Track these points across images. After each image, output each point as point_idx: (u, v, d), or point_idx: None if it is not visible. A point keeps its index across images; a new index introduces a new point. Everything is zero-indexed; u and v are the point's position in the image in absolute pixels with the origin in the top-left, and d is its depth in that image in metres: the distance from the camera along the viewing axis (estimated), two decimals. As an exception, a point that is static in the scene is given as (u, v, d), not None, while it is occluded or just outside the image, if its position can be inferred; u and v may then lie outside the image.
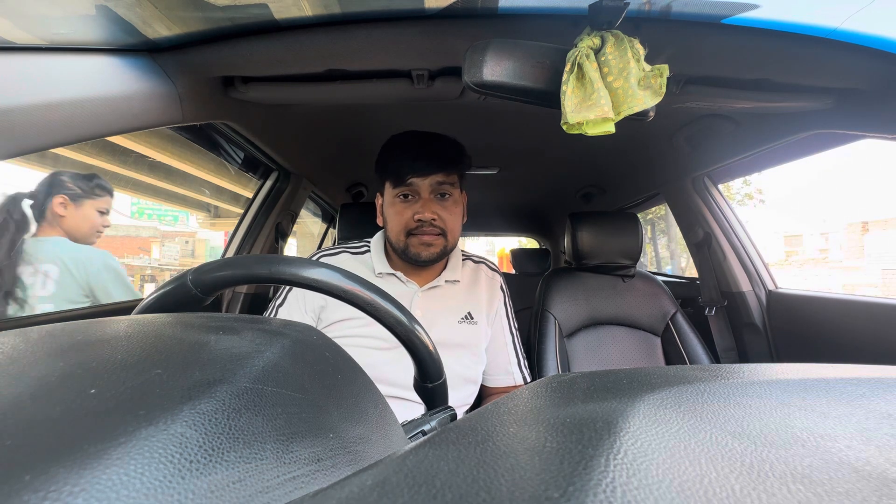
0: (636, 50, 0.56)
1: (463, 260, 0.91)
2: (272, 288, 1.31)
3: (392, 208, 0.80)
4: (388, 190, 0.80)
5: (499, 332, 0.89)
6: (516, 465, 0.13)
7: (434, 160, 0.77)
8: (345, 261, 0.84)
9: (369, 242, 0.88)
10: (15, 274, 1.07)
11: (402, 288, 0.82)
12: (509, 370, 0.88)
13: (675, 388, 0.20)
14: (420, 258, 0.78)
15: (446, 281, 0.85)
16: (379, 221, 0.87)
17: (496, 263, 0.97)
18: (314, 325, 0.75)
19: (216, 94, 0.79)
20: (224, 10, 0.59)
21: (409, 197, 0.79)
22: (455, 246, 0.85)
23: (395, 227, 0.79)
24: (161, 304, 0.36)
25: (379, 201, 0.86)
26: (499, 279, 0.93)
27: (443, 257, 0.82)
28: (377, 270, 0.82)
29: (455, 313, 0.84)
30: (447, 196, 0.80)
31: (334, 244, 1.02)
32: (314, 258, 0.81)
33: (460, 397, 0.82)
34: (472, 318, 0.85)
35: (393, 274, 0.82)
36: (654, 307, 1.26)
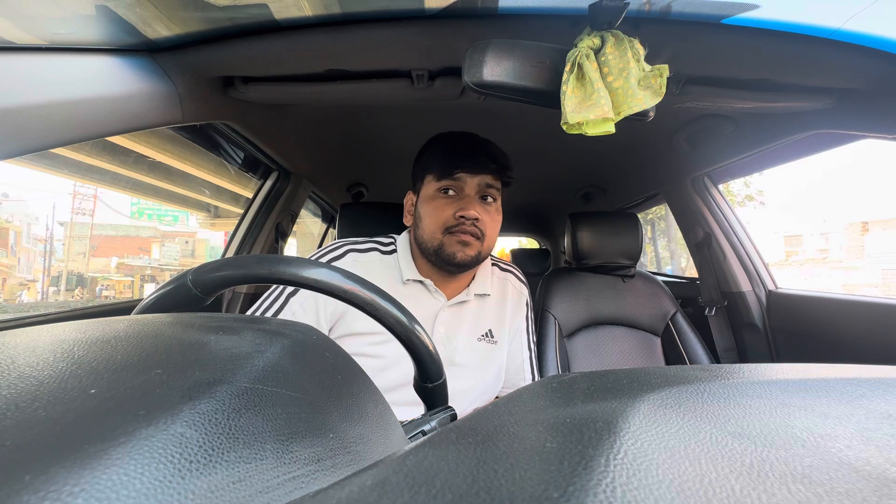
0: (636, 50, 0.56)
1: (491, 266, 0.87)
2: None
3: (431, 203, 0.75)
4: (429, 184, 0.76)
5: (517, 349, 0.86)
6: (516, 465, 0.13)
7: (486, 160, 0.74)
8: (374, 260, 0.79)
9: (395, 239, 0.83)
10: None
11: (428, 300, 0.78)
12: (518, 385, 0.86)
13: (675, 388, 0.20)
14: (455, 259, 0.72)
15: (475, 294, 0.81)
16: (406, 221, 0.82)
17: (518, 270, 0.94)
18: (324, 329, 0.73)
19: (216, 94, 0.79)
20: (224, 10, 0.59)
21: (452, 193, 0.75)
22: (487, 257, 0.81)
23: (433, 223, 0.74)
24: (161, 304, 0.36)
25: (410, 199, 0.82)
26: (525, 293, 0.90)
27: (476, 264, 0.77)
28: (405, 277, 0.77)
29: (476, 330, 0.81)
30: (490, 201, 0.76)
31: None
32: (342, 250, 0.78)
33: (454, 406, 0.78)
34: (491, 337, 0.82)
35: (421, 282, 0.78)
36: (654, 307, 1.26)
